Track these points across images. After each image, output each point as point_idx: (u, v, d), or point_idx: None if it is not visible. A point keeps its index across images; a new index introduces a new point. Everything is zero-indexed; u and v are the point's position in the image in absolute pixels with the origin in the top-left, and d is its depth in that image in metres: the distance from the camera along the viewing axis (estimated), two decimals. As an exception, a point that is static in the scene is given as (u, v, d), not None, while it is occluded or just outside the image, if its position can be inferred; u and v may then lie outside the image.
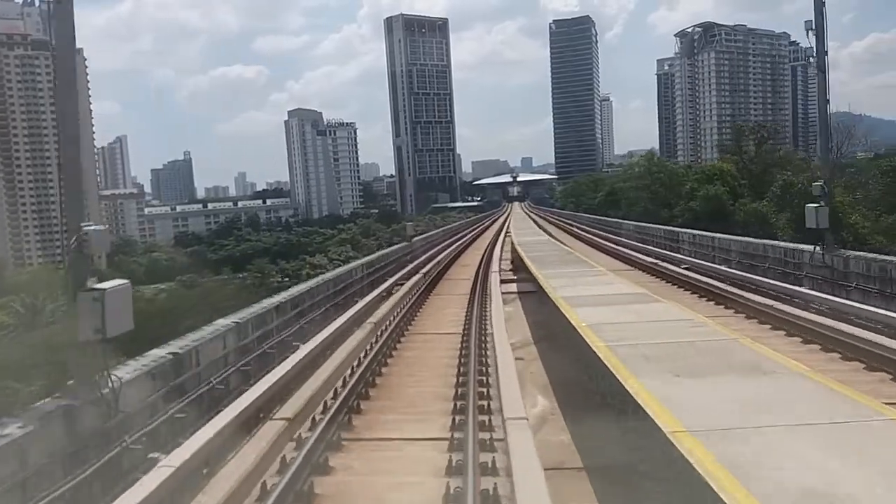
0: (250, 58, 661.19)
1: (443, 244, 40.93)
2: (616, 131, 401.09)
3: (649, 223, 44.54)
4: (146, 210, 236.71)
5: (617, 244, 31.58)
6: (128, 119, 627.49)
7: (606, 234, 38.27)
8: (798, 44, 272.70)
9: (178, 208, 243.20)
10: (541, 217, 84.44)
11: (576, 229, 45.95)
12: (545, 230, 46.72)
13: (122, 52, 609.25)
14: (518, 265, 31.02)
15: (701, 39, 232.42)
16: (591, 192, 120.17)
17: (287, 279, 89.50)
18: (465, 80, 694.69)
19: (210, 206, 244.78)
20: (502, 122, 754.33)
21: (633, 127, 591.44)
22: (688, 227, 38.33)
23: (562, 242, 32.90)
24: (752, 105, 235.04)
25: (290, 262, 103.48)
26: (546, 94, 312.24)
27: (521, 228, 45.88)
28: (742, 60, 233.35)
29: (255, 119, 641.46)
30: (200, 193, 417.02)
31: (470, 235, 52.75)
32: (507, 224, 72.71)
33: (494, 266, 26.82)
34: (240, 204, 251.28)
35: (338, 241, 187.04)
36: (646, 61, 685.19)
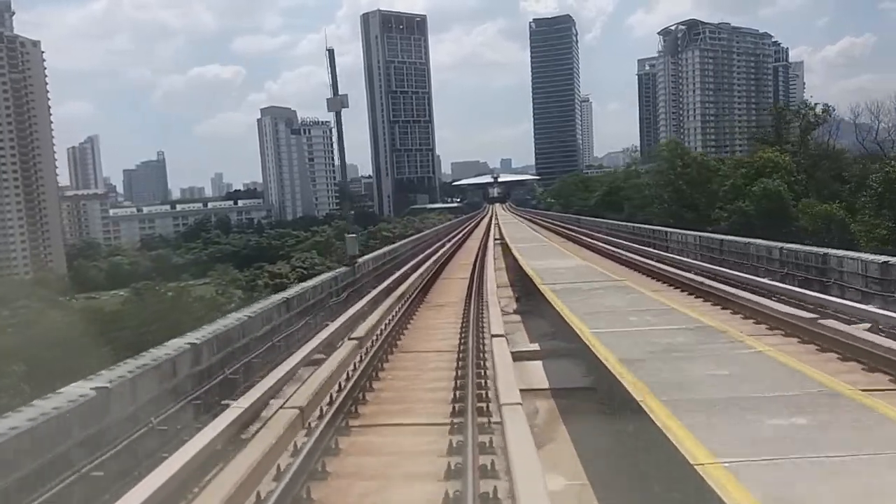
0: (228, 58, 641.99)
1: (409, 265, 28.28)
2: (595, 133, 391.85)
3: (668, 228, 32.69)
4: (111, 211, 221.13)
5: (691, 271, 18.80)
6: (103, 119, 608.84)
7: (643, 248, 25.91)
8: (780, 44, 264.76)
9: (146, 209, 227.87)
10: (530, 220, 71.89)
11: (589, 238, 33.59)
12: (551, 242, 34.42)
13: (97, 52, 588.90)
14: (525, 293, 18.44)
15: (685, 37, 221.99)
16: (581, 192, 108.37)
17: (240, 291, 76.34)
18: (444, 82, 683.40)
19: (179, 207, 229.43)
20: (482, 124, 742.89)
21: (611, 130, 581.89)
22: (739, 235, 26.25)
23: (605, 270, 20.07)
24: (737, 104, 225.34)
25: (245, 270, 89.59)
26: (526, 96, 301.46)
27: (524, 241, 32.91)
28: (726, 59, 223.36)
29: (233, 119, 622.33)
30: (176, 194, 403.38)
31: (449, 246, 40.30)
32: (493, 227, 60.16)
33: (493, 319, 14.17)
34: (210, 205, 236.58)
35: (310, 244, 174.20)
36: (623, 64, 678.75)
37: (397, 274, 24.01)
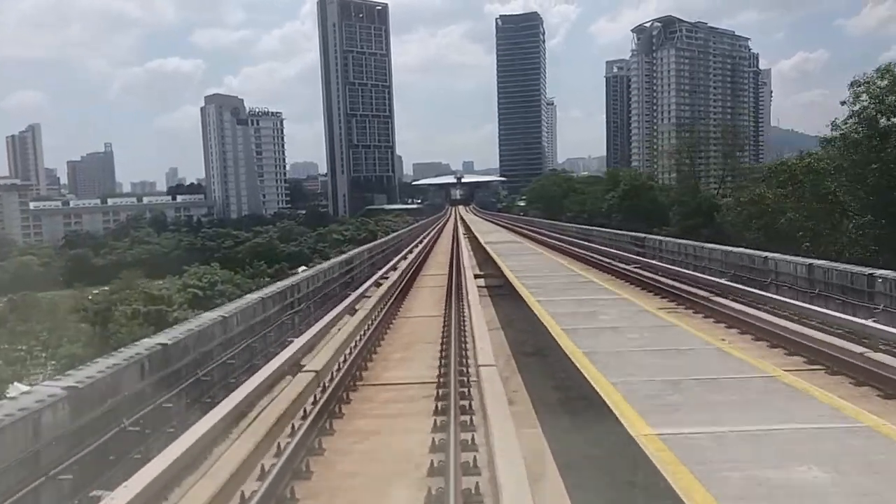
0: (188, 51, 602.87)
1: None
2: (558, 139, 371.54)
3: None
4: (31, 205, 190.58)
5: None
6: (57, 110, 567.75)
7: None
8: (750, 49, 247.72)
9: (72, 203, 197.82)
10: (523, 233, 47.14)
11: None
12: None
13: (52, 41, 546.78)
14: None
15: (660, 35, 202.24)
16: (572, 194, 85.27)
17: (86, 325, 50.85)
18: (409, 83, 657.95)
19: (110, 201, 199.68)
20: (445, 126, 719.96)
21: (571, 136, 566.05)
22: None
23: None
24: (712, 108, 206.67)
25: (113, 282, 63.22)
26: (490, 99, 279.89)
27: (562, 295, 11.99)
28: (702, 60, 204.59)
29: (191, 114, 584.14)
30: (126, 188, 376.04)
31: (395, 279, 17.31)
32: (463, 242, 36.64)
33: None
34: (146, 200, 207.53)
35: (249, 247, 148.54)
36: (584, 71, 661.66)
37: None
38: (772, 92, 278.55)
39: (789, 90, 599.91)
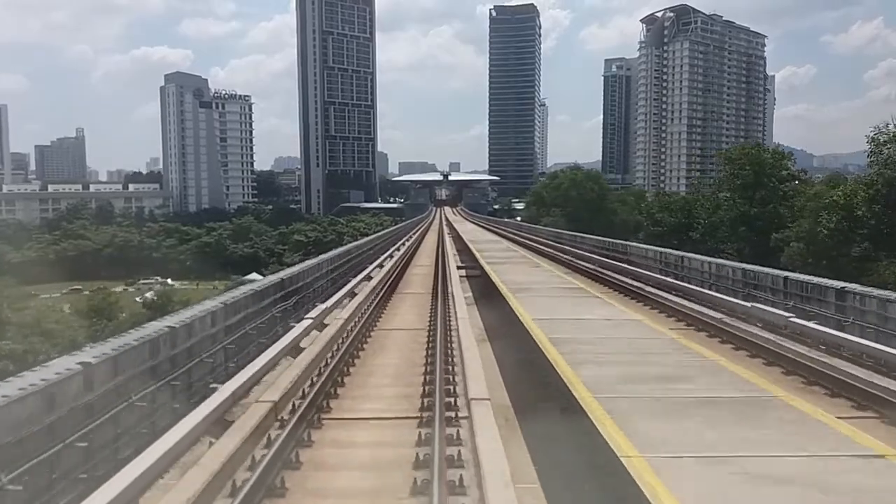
0: (176, 40, 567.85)
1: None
2: (547, 143, 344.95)
3: None
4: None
5: None
6: (36, 94, 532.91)
7: None
8: (765, 48, 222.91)
9: (5, 189, 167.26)
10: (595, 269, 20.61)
11: None
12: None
13: (33, 25, 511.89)
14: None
15: (673, 26, 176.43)
16: (610, 198, 56.92)
17: None
18: (398, 82, 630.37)
19: (51, 188, 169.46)
20: (434, 126, 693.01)
21: (557, 142, 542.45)
22: None
23: None
24: (726, 109, 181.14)
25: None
26: (479, 100, 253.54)
27: None
28: (718, 55, 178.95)
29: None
30: (102, 176, 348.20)
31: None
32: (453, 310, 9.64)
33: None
34: (92, 188, 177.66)
35: (195, 247, 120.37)
36: (572, 76, 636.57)
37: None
38: (775, 100, 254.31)
39: (777, 103, 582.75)
